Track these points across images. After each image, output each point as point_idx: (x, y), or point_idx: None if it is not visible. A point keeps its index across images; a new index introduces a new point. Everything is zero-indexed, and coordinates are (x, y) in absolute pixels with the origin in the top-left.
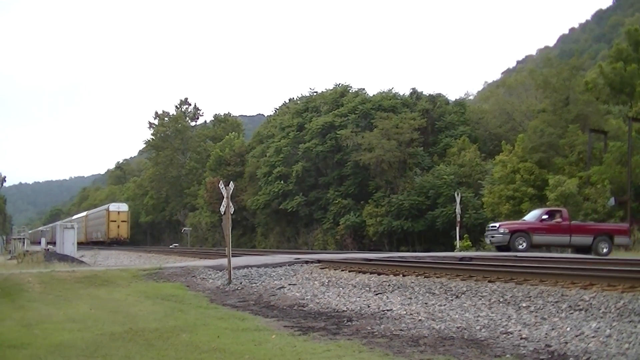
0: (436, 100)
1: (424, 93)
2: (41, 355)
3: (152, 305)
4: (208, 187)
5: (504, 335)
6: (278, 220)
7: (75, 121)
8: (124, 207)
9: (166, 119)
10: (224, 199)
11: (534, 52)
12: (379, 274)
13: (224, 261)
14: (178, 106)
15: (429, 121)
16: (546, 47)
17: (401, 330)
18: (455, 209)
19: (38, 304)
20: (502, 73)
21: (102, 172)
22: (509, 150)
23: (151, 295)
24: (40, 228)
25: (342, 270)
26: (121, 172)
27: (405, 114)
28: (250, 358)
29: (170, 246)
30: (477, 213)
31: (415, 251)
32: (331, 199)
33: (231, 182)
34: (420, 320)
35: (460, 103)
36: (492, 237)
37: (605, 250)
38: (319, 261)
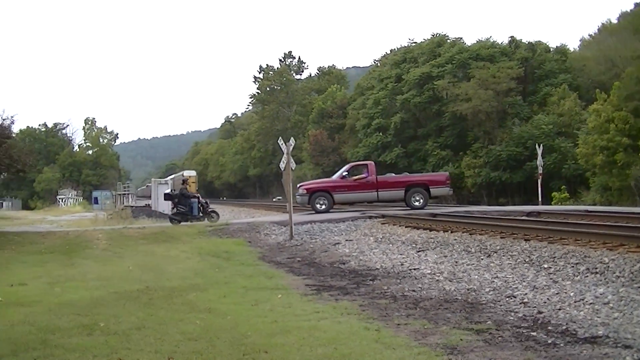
0: (536, 48)
1: (523, 41)
2: (38, 312)
3: (196, 263)
4: (311, 140)
5: (507, 299)
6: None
7: (194, 76)
8: (192, 172)
9: (271, 72)
10: (284, 155)
11: None
12: (431, 230)
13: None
14: (282, 59)
15: (529, 70)
16: None
17: (413, 291)
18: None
19: (88, 261)
20: (620, 16)
21: (218, 125)
22: (603, 99)
23: (205, 251)
24: (147, 184)
25: (400, 226)
26: (231, 126)
27: (503, 63)
28: (232, 319)
29: (274, 199)
30: (576, 164)
31: (514, 203)
32: (430, 151)
33: (292, 137)
34: (437, 280)
35: (562, 50)
36: (297, 197)
37: (419, 202)
38: (382, 216)
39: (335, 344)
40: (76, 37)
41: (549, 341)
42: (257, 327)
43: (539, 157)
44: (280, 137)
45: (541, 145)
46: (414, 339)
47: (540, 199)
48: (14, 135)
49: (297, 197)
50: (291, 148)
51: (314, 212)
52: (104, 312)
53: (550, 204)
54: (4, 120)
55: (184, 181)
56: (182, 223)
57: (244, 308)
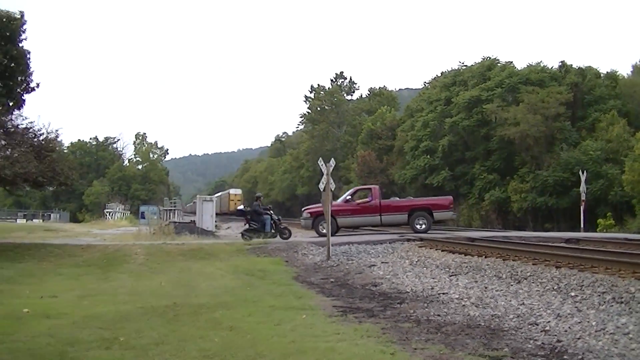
0: (586, 73)
1: (573, 66)
2: (62, 325)
3: (229, 280)
4: (359, 161)
5: (530, 326)
6: (425, 194)
7: (247, 95)
8: (238, 191)
9: (322, 92)
10: (324, 176)
11: None
12: (466, 254)
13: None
14: (333, 80)
15: (578, 95)
16: None
17: (438, 315)
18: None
19: (123, 276)
20: None
21: (269, 144)
22: None
23: (241, 270)
24: (194, 200)
25: (437, 250)
26: (281, 145)
27: (553, 88)
28: (252, 337)
29: None
30: (622, 190)
31: (560, 229)
32: (477, 174)
33: (332, 159)
34: (464, 305)
35: (612, 76)
36: (301, 221)
37: (422, 227)
38: (420, 239)
39: None
40: (131, 53)
41: None
42: (274, 346)
43: (582, 184)
44: (320, 158)
45: (585, 171)
46: None
47: (582, 225)
48: (64, 148)
49: (302, 220)
50: (331, 169)
51: (349, 233)
52: (127, 327)
53: (596, 231)
54: (48, 134)
55: (257, 197)
56: (253, 239)
57: (266, 327)
